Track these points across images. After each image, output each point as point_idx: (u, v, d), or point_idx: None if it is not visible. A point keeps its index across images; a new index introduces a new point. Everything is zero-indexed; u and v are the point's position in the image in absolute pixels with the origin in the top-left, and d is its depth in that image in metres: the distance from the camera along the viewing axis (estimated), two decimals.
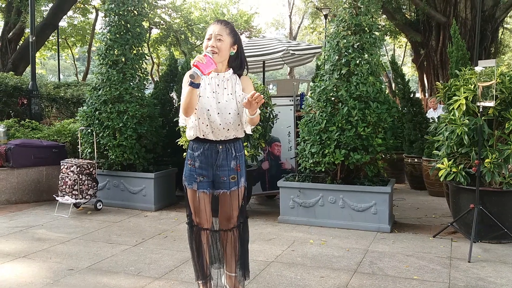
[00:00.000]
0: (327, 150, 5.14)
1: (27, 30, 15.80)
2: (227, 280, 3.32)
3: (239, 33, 3.19)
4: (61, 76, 22.34)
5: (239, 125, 3.08)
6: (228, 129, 3.04)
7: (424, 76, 17.54)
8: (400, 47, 29.70)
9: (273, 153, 6.58)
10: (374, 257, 4.38)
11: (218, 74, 3.07)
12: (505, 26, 20.56)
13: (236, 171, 3.11)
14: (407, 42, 24.81)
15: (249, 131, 3.17)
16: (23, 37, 16.07)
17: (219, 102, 3.01)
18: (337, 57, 5.28)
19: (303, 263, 4.21)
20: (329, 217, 5.35)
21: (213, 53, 2.92)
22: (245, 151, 5.49)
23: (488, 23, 14.07)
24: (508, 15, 17.71)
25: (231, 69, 3.11)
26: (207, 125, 3.02)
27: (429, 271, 4.00)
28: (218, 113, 3.00)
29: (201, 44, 29.45)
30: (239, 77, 3.14)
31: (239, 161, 3.14)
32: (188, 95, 2.85)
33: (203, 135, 3.05)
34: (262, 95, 2.81)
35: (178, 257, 4.37)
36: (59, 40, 20.82)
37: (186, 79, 2.95)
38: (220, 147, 3.07)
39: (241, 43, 3.16)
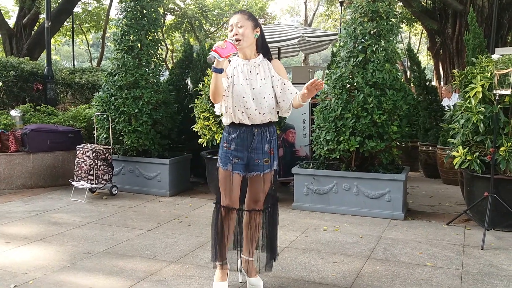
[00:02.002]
0: (342, 137, 5.14)
1: (42, 16, 15.90)
2: (243, 264, 3.41)
3: (257, 20, 3.24)
4: (75, 62, 22.39)
5: (273, 108, 3.19)
6: (264, 113, 3.15)
7: (440, 64, 17.35)
8: (415, 35, 29.36)
9: (287, 140, 6.59)
10: (387, 244, 4.40)
11: (249, 60, 3.17)
12: None
13: (269, 154, 3.23)
14: (422, 30, 24.52)
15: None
16: (38, 23, 16.13)
17: (253, 88, 3.12)
18: (353, 44, 5.26)
19: (317, 249, 4.24)
20: (343, 204, 5.37)
21: (237, 40, 3.03)
22: None
23: (505, 11, 13.85)
24: None
25: (260, 54, 3.21)
26: (243, 112, 3.12)
27: (442, 258, 4.02)
28: (254, 99, 3.11)
29: (215, 30, 29.44)
30: (270, 62, 3.24)
31: (272, 145, 3.25)
32: (213, 81, 2.94)
33: (239, 121, 3.15)
34: (322, 81, 2.92)
35: (193, 242, 4.42)
36: (74, 26, 20.88)
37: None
38: (256, 130, 3.17)
39: (262, 29, 3.23)
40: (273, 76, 3.20)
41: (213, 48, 2.86)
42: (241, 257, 3.40)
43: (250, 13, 3.18)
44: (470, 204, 4.96)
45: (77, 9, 21.65)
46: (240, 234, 3.38)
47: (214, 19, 28.39)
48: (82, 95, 10.04)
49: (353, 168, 5.45)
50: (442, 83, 16.83)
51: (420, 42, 29.85)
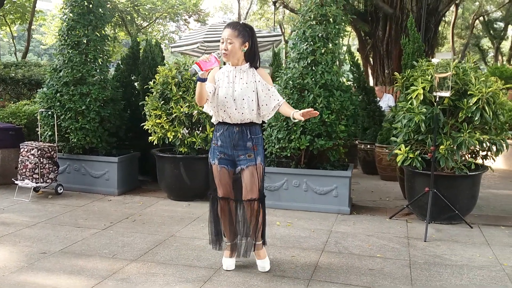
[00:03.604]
0: (293, 136, 5.33)
1: None
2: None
3: (249, 31, 3.55)
4: None
5: (253, 110, 3.53)
6: (243, 113, 3.51)
7: (368, 65, 18.09)
8: (344, 37, 30.33)
9: None
10: (338, 237, 4.63)
11: (235, 67, 3.57)
12: (444, 18, 21.53)
13: (252, 150, 3.59)
14: (350, 32, 25.43)
15: (266, 119, 3.69)
16: None
17: (235, 91, 3.51)
18: (303, 46, 5.45)
19: (273, 243, 4.40)
20: (293, 200, 5.57)
21: (225, 54, 3.47)
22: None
23: (432, 15, 14.69)
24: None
25: (247, 63, 3.58)
26: (224, 111, 3.54)
27: (390, 250, 4.30)
28: (234, 100, 3.50)
29: (147, 25, 28.93)
30: (256, 70, 3.59)
31: (255, 142, 3.60)
32: (198, 88, 3.40)
33: (222, 119, 3.58)
34: (317, 112, 3.37)
35: (150, 240, 4.44)
36: None
37: (211, 75, 3.53)
38: (236, 128, 3.56)
39: (255, 38, 3.59)
40: (258, 81, 3.55)
41: (197, 61, 3.27)
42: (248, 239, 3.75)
43: (241, 27, 3.52)
44: (411, 199, 5.31)
45: None
46: (243, 222, 3.71)
47: (147, 13, 27.88)
48: (14, 91, 9.62)
49: (302, 165, 5.66)
50: (371, 83, 17.57)
51: (348, 43, 30.88)
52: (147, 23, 29.10)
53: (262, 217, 3.68)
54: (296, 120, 3.54)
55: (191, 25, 30.10)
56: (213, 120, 3.69)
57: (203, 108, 3.72)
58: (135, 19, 27.56)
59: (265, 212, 3.76)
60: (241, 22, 3.68)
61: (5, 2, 21.71)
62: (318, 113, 3.43)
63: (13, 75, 9.14)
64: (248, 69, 3.57)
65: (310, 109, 3.39)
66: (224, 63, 3.63)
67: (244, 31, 3.51)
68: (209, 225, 3.82)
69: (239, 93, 3.49)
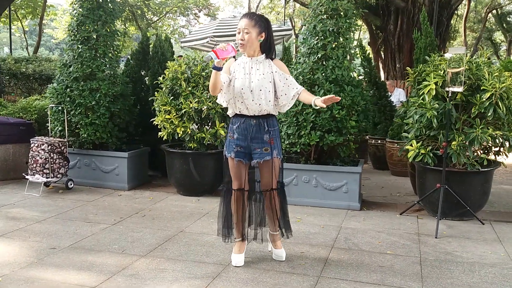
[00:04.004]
0: (303, 132, 5.29)
1: None
2: (270, 237, 3.90)
3: (265, 22, 3.55)
4: (9, 50, 21.36)
5: (270, 101, 3.53)
6: (260, 104, 3.50)
7: (380, 59, 17.95)
8: (356, 30, 30.14)
9: None
10: (348, 234, 4.60)
11: (251, 58, 3.54)
12: (456, 12, 21.29)
13: (269, 144, 3.58)
14: (361, 25, 25.25)
15: (284, 110, 3.68)
16: None
17: (252, 82, 3.49)
18: (314, 40, 5.40)
19: (283, 239, 4.36)
20: (302, 196, 5.54)
21: (241, 45, 3.44)
22: (222, 132, 5.58)
23: (444, 9, 14.53)
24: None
25: (263, 53, 3.56)
26: (242, 102, 3.53)
27: (401, 246, 4.26)
28: (251, 91, 3.48)
29: (158, 20, 28.95)
30: (272, 61, 3.58)
31: (272, 135, 3.59)
32: (213, 76, 3.39)
33: (239, 111, 3.57)
34: (338, 97, 3.39)
35: (160, 235, 4.44)
36: (10, 12, 19.90)
37: (226, 66, 3.53)
38: (254, 121, 3.55)
39: (270, 29, 3.57)
40: (275, 71, 3.55)
41: (214, 49, 3.25)
42: (268, 231, 3.86)
43: (258, 18, 3.49)
44: (422, 195, 5.26)
45: None
46: (260, 214, 3.80)
47: (157, 8, 27.91)
48: (25, 85, 9.67)
49: (312, 161, 5.62)
50: (382, 77, 17.44)
51: (359, 37, 30.66)
52: (157, 18, 29.13)
53: (280, 208, 3.74)
54: (317, 108, 3.52)
55: (201, 20, 30.10)
56: (229, 113, 3.68)
57: (216, 99, 3.73)
58: (145, 14, 27.60)
59: (286, 202, 3.84)
60: (257, 13, 3.66)
61: None
62: (340, 98, 3.43)
63: (23, 70, 9.19)
64: (264, 60, 3.56)
65: (331, 95, 3.40)
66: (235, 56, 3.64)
67: (261, 21, 3.50)
68: (220, 219, 3.80)
69: (256, 84, 3.48)
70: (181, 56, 8.47)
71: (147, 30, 24.99)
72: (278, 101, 3.61)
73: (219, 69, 3.34)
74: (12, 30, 29.07)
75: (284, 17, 24.39)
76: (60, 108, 6.20)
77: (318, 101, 3.41)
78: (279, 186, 3.74)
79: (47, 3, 22.52)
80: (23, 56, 11.38)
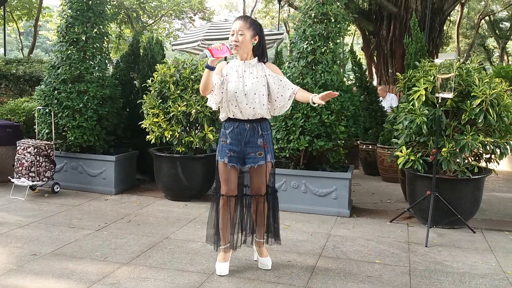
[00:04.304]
0: (292, 137, 5.23)
1: None
2: (256, 244, 3.82)
3: (259, 26, 3.55)
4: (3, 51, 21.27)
5: (263, 105, 3.51)
6: (254, 108, 3.47)
7: (373, 64, 17.94)
8: (349, 36, 30.18)
9: None
10: (336, 241, 4.53)
11: (244, 62, 3.53)
12: (449, 18, 21.33)
13: (263, 148, 3.55)
14: (355, 31, 25.22)
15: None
16: None
17: (245, 85, 3.46)
18: (303, 45, 5.34)
19: (270, 247, 4.26)
20: (291, 202, 5.46)
21: (236, 46, 3.41)
22: (211, 136, 5.50)
23: (436, 15, 14.52)
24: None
25: (256, 57, 3.55)
26: (236, 106, 3.47)
27: (390, 255, 4.19)
28: (245, 94, 3.45)
29: (153, 23, 28.88)
30: (264, 64, 3.59)
31: (265, 139, 3.57)
32: (205, 76, 3.34)
33: (233, 115, 3.52)
34: (336, 92, 3.38)
35: (144, 242, 4.35)
36: (5, 13, 19.75)
37: (218, 68, 3.47)
38: (248, 125, 3.51)
39: (263, 34, 3.57)
40: (269, 74, 3.54)
41: (209, 47, 3.22)
42: (254, 239, 3.80)
43: (251, 21, 3.51)
44: (412, 202, 5.20)
45: None
46: (249, 219, 3.74)
47: (152, 11, 27.85)
48: (16, 87, 9.56)
49: (301, 166, 5.55)
50: (375, 83, 17.42)
51: (352, 42, 30.70)
52: (153, 21, 29.05)
53: (272, 214, 3.72)
54: (315, 105, 3.49)
55: (196, 23, 30.01)
56: (221, 117, 3.61)
57: (205, 102, 3.72)
58: (141, 17, 27.51)
59: (278, 208, 3.79)
60: (250, 17, 3.65)
61: None
62: (337, 93, 3.40)
63: (14, 71, 9.08)
64: (257, 64, 3.55)
65: (329, 91, 3.37)
66: (225, 58, 3.61)
67: (254, 24, 3.51)
68: (210, 225, 3.74)
69: (250, 88, 3.46)
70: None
71: (141, 33, 24.93)
72: (275, 103, 3.58)
73: (212, 68, 3.30)
74: (7, 31, 28.96)
75: (279, 22, 24.38)
76: (47, 110, 6.11)
77: (316, 98, 3.39)
78: (270, 191, 3.70)
79: (42, 5, 22.39)
80: (14, 58, 11.26)
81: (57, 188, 6.06)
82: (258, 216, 3.69)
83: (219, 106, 3.61)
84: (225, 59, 3.57)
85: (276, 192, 3.78)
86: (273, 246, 4.27)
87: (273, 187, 3.75)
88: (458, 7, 23.98)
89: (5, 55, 16.64)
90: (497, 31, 28.70)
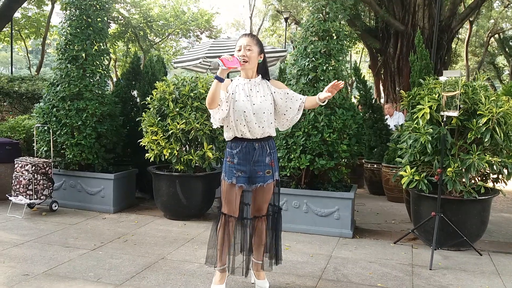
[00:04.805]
0: (293, 155, 5.12)
1: None
2: (253, 266, 3.70)
3: (262, 44, 3.54)
4: (13, 69, 21.43)
5: (271, 123, 3.47)
6: (263, 127, 3.41)
7: (380, 82, 17.88)
8: (357, 53, 30.23)
9: None
10: (337, 263, 4.38)
11: (250, 80, 3.47)
12: (457, 36, 21.28)
13: (271, 166, 3.50)
14: (363, 48, 25.23)
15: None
16: None
17: (254, 104, 3.38)
18: (304, 62, 5.26)
19: (269, 269, 4.15)
20: (292, 222, 5.33)
21: (244, 62, 3.36)
22: (210, 154, 5.41)
23: (444, 32, 14.47)
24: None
25: (260, 75, 3.51)
26: (244, 125, 3.38)
27: (392, 278, 4.04)
28: (254, 114, 3.37)
29: (160, 41, 29.05)
30: (269, 81, 3.55)
31: (272, 157, 3.52)
32: (213, 87, 3.19)
33: (241, 135, 3.42)
34: (341, 82, 3.34)
35: (139, 263, 4.23)
36: (12, 32, 19.96)
37: (224, 84, 3.33)
38: (257, 144, 3.44)
39: (264, 52, 3.58)
40: (274, 92, 3.49)
41: (221, 58, 3.14)
42: (251, 260, 3.68)
43: (258, 38, 3.49)
44: (417, 223, 5.05)
45: (17, 14, 20.75)
46: (249, 240, 3.64)
47: (159, 29, 28.04)
48: (20, 105, 9.56)
49: (303, 186, 5.43)
50: (382, 100, 17.32)
51: (360, 60, 30.72)
52: (160, 39, 29.23)
53: (274, 233, 3.67)
54: (323, 103, 3.44)
55: (202, 42, 30.16)
56: (228, 137, 3.50)
57: (205, 119, 3.56)
58: (148, 35, 27.68)
59: (281, 228, 3.74)
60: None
61: (20, 17, 21.98)
62: (343, 82, 3.35)
63: (16, 88, 9.07)
64: (262, 82, 3.51)
65: (333, 82, 3.34)
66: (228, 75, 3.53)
67: (260, 42, 3.50)
68: (212, 246, 3.59)
69: (258, 107, 3.39)
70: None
71: (148, 51, 25.04)
72: (284, 117, 3.55)
73: (221, 80, 3.20)
74: (16, 50, 29.26)
75: (285, 40, 24.46)
76: (46, 128, 6.05)
77: (322, 95, 3.38)
78: (276, 209, 3.66)
79: (50, 23, 22.61)
80: (18, 75, 11.30)
81: (55, 206, 5.97)
82: (257, 237, 3.60)
83: (221, 125, 3.53)
84: (228, 75, 3.48)
85: (281, 210, 3.73)
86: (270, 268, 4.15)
87: (278, 206, 3.71)
88: (466, 25, 23.95)
89: (11, 73, 16.72)
90: (506, 49, 28.57)
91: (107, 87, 6.40)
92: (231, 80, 3.51)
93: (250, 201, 3.64)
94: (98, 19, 6.21)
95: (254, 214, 3.60)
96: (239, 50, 3.39)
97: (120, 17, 25.30)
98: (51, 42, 30.94)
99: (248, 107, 3.36)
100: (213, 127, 4.67)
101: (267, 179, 3.49)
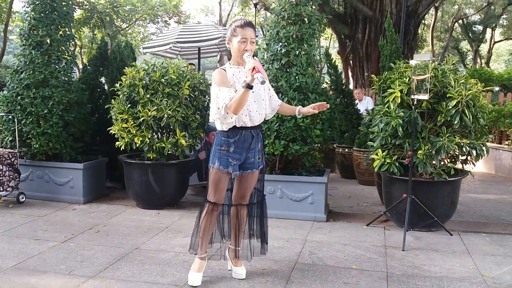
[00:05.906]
0: (266, 141, 5.09)
1: None
2: (230, 254, 3.71)
3: None
4: None
5: (266, 110, 3.50)
6: (261, 114, 3.43)
7: (349, 68, 17.99)
8: (326, 39, 30.35)
9: (210, 143, 6.44)
10: (313, 247, 4.40)
11: (243, 67, 3.31)
12: (423, 21, 21.56)
13: (260, 152, 3.52)
14: (331, 34, 25.32)
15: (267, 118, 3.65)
16: None
17: (253, 92, 3.28)
18: (277, 47, 5.21)
19: (245, 255, 4.13)
20: (268, 207, 5.29)
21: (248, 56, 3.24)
22: (183, 141, 5.34)
23: (411, 18, 14.64)
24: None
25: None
26: (246, 115, 3.34)
27: (367, 260, 4.08)
28: (255, 101, 3.36)
29: (127, 27, 28.47)
30: None
31: (261, 143, 3.55)
32: (243, 95, 3.11)
33: (243, 124, 3.35)
34: (327, 104, 3.47)
35: (112, 254, 4.15)
36: None
37: (218, 79, 3.26)
38: (253, 132, 3.43)
39: None
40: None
41: (257, 70, 3.02)
42: (229, 247, 3.70)
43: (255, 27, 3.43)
44: (388, 205, 5.11)
45: None
46: (228, 226, 3.65)
47: (126, 15, 27.44)
48: None
49: (277, 171, 5.42)
50: (351, 86, 17.44)
51: (329, 46, 30.85)
52: (127, 25, 28.64)
53: (260, 220, 3.70)
54: (300, 116, 3.54)
55: (171, 27, 29.71)
56: (224, 127, 3.36)
57: (216, 114, 3.35)
58: (115, 21, 27.07)
59: (266, 213, 3.76)
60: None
61: None
62: (329, 105, 3.46)
63: None
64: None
65: (322, 102, 3.46)
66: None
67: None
68: (196, 233, 3.56)
69: (258, 94, 3.38)
70: (193, 64, 8.20)
71: (115, 37, 24.52)
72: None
73: (252, 87, 3.12)
74: None
75: (255, 25, 24.28)
76: (10, 117, 5.85)
77: (305, 110, 3.45)
78: (261, 196, 3.68)
79: (12, 9, 21.85)
80: None
81: (22, 198, 5.80)
82: (239, 224, 3.59)
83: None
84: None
85: (264, 196, 3.74)
86: (248, 253, 4.13)
87: (262, 191, 3.70)
88: (432, 11, 24.29)
89: None
90: (470, 34, 29.16)
91: (73, 73, 6.21)
92: (225, 70, 3.36)
93: (232, 187, 3.60)
94: (63, 3, 5.99)
95: (239, 201, 3.58)
96: (244, 42, 3.25)
97: (85, 2, 24.64)
98: (13, 29, 29.99)
99: (250, 96, 3.26)
100: (209, 119, 4.47)
101: (259, 164, 3.51)
